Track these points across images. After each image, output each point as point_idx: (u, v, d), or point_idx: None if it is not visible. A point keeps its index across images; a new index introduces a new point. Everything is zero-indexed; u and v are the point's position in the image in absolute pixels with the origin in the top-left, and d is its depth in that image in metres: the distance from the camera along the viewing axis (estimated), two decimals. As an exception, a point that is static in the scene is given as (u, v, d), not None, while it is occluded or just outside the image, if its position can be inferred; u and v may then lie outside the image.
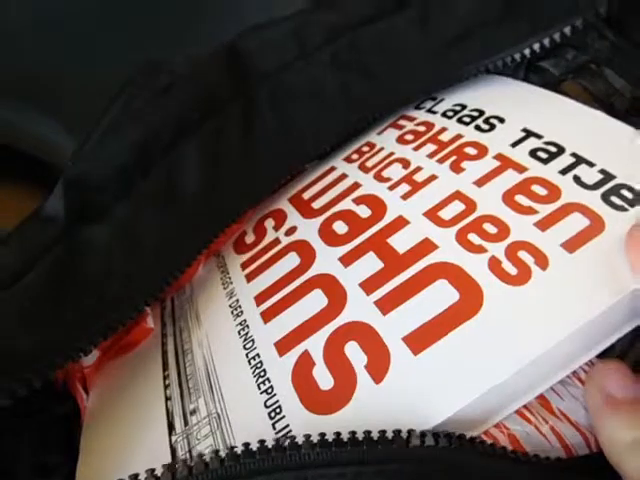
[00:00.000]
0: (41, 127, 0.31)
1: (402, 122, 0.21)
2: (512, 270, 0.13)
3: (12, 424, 0.12)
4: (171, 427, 0.13)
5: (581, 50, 0.20)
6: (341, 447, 0.10)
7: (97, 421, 0.15)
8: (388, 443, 0.10)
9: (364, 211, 0.17)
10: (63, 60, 0.30)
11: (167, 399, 0.14)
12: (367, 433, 0.10)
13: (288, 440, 0.10)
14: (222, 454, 0.10)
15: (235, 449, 0.10)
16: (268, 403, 0.12)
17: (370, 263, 0.15)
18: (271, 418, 0.12)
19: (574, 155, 0.15)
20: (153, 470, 0.10)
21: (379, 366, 0.12)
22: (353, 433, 0.10)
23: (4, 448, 0.13)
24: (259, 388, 0.13)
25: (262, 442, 0.10)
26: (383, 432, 0.10)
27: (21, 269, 0.15)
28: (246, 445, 0.10)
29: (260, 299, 0.16)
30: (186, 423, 0.13)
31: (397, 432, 0.10)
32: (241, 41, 0.21)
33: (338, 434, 0.10)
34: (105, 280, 0.15)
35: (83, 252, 0.15)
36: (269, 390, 0.13)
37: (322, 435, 0.10)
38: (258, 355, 0.14)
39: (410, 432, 0.10)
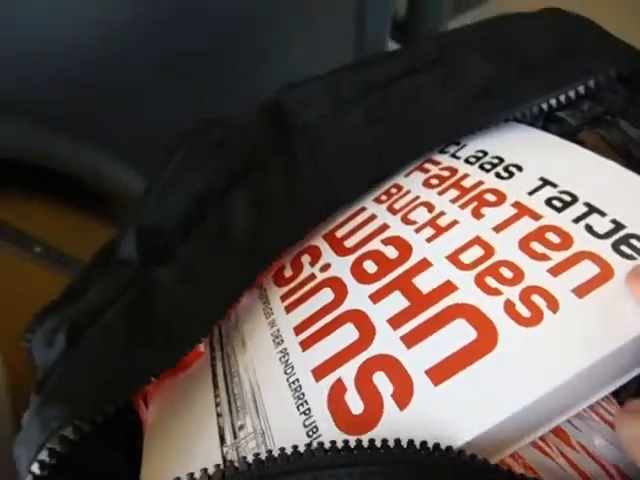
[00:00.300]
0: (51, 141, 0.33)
1: (427, 165, 0.23)
2: (525, 312, 0.14)
3: (91, 436, 0.15)
4: (222, 440, 0.15)
5: (596, 102, 0.21)
6: (349, 452, 0.11)
7: (157, 432, 0.17)
8: (390, 449, 0.11)
9: (392, 252, 0.19)
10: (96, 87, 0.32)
11: (218, 415, 0.16)
12: (371, 441, 0.12)
13: (304, 447, 0.12)
14: (249, 460, 0.12)
15: (260, 455, 0.12)
16: (306, 423, 0.14)
17: (397, 301, 0.16)
18: (309, 436, 0.14)
19: (587, 204, 0.16)
20: (192, 474, 0.12)
21: (404, 395, 0.13)
22: (359, 441, 0.12)
23: (83, 457, 0.15)
24: (298, 409, 0.15)
25: (282, 449, 0.12)
26: (385, 441, 0.12)
27: (101, 308, 0.17)
28: (269, 451, 0.12)
29: (299, 330, 0.18)
30: (235, 437, 0.15)
31: (397, 441, 0.12)
32: (282, 97, 0.24)
33: (346, 441, 0.12)
34: (171, 318, 0.17)
35: (154, 293, 0.18)
36: (307, 411, 0.14)
37: (333, 442, 0.12)
38: (297, 380, 0.16)
39: (410, 442, 0.11)
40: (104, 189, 0.35)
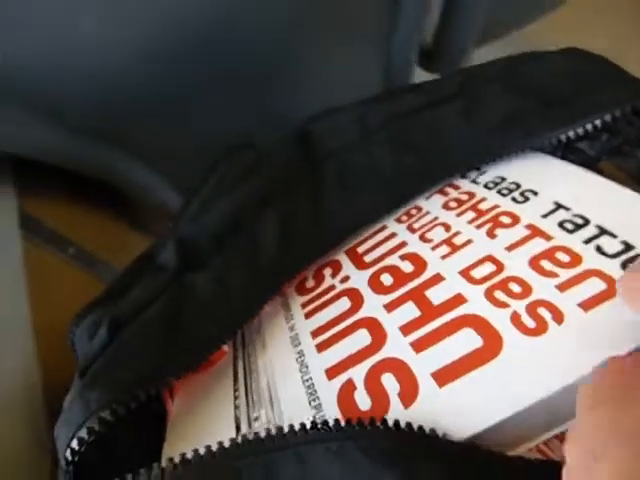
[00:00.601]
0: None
1: (448, 189, 0.24)
2: (531, 323, 0.15)
3: (125, 419, 0.16)
4: (238, 428, 0.16)
5: (614, 134, 0.22)
6: (328, 429, 0.13)
7: (179, 420, 0.18)
8: (364, 427, 0.12)
9: (408, 267, 0.20)
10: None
11: (235, 408, 0.17)
12: (348, 421, 0.13)
13: (288, 428, 0.13)
14: (239, 441, 0.13)
15: (247, 436, 0.13)
16: (317, 417, 0.15)
17: (409, 311, 0.17)
18: None
19: (598, 227, 0.17)
20: (197, 450, 0.14)
21: (409, 394, 0.14)
22: (337, 420, 0.13)
23: (115, 438, 0.17)
24: (310, 404, 0.16)
25: (268, 430, 0.13)
26: (360, 420, 0.13)
27: (140, 308, 0.20)
28: (256, 433, 0.13)
29: (316, 334, 0.19)
30: (250, 427, 0.16)
31: (372, 419, 0.13)
32: (313, 124, 0.26)
33: (325, 422, 0.13)
34: (201, 321, 0.19)
35: (187, 297, 0.20)
36: (318, 406, 0.15)
37: (314, 423, 0.13)
38: (311, 378, 0.17)
39: (384, 420, 0.12)
40: (138, 199, 0.38)
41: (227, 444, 0.13)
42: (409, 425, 0.13)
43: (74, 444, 0.15)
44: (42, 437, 0.27)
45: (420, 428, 0.12)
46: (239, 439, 0.13)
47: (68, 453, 0.15)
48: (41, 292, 0.31)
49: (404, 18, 0.35)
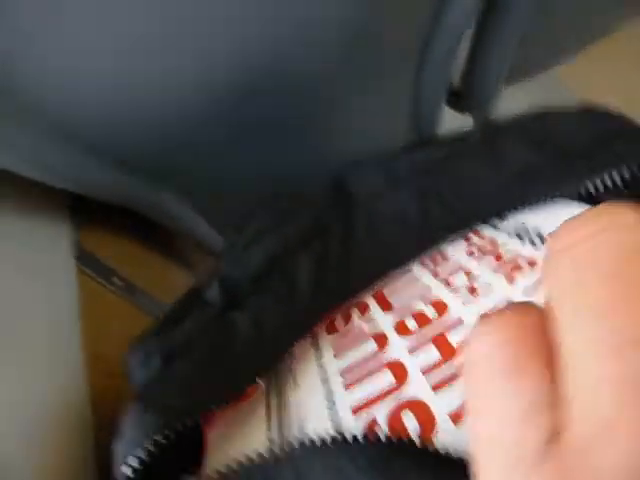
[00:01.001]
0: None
1: (471, 236, 0.26)
2: None
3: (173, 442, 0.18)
4: None
5: (635, 188, 0.23)
6: (326, 446, 0.14)
7: (216, 448, 0.20)
8: (356, 439, 0.14)
9: (431, 311, 0.21)
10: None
11: (269, 440, 0.19)
12: (341, 435, 0.14)
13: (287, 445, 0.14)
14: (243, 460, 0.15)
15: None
16: None
17: (430, 353, 0.18)
18: None
19: None
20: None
21: (427, 431, 0.15)
22: (334, 437, 0.14)
23: (164, 459, 0.18)
24: None
25: (271, 450, 0.15)
26: (354, 436, 0.14)
27: (189, 339, 0.22)
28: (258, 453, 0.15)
29: (344, 373, 0.20)
30: None
31: (365, 434, 0.14)
32: (345, 175, 0.28)
33: (323, 439, 0.14)
34: (239, 357, 0.21)
35: (228, 334, 0.22)
36: None
37: (312, 441, 0.14)
38: (337, 414, 0.18)
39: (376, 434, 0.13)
40: (177, 232, 0.41)
41: (235, 466, 0.15)
42: (399, 436, 0.13)
43: (132, 462, 0.17)
44: (90, 457, 0.29)
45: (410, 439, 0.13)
46: (243, 458, 0.15)
47: (126, 470, 0.17)
48: (91, 321, 0.34)
49: (433, 61, 0.36)
